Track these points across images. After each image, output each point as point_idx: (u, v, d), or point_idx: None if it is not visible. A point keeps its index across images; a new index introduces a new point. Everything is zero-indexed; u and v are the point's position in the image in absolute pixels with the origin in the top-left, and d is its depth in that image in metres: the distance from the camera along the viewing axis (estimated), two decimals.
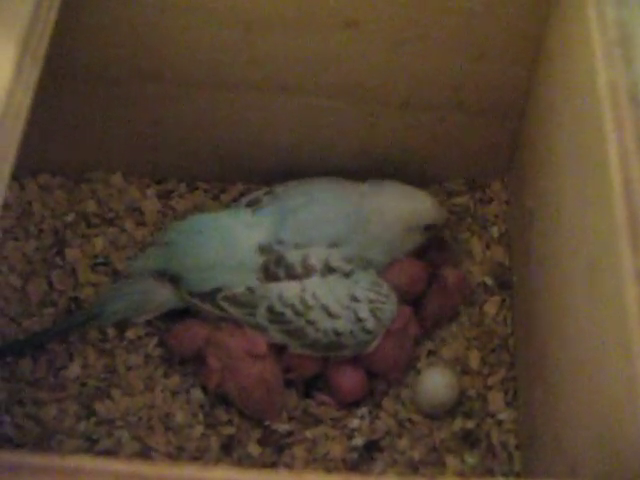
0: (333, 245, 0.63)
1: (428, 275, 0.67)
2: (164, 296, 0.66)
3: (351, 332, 0.63)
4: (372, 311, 0.63)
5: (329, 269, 0.63)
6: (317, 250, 0.63)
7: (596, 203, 0.43)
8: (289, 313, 0.63)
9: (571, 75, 0.50)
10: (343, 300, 0.63)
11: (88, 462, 0.36)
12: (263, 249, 0.64)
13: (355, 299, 0.63)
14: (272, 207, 0.65)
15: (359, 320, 0.63)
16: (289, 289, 0.63)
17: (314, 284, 0.63)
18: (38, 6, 0.45)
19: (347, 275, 0.64)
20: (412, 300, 0.67)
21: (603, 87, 0.41)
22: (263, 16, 0.60)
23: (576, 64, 0.48)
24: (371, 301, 0.63)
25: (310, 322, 0.63)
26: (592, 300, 0.44)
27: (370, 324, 0.63)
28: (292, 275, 0.63)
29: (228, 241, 0.64)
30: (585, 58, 0.45)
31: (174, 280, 0.65)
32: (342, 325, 0.63)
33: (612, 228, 0.39)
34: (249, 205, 0.67)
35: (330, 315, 0.63)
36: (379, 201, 0.64)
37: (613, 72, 0.42)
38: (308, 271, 0.63)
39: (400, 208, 0.64)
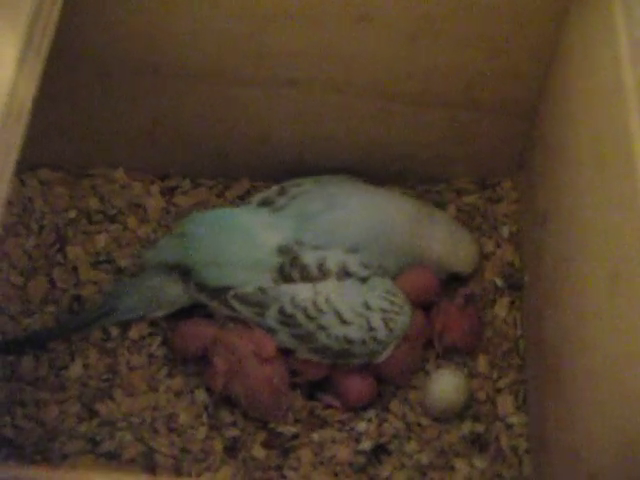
0: (352, 249, 0.63)
1: (439, 282, 0.66)
2: (175, 293, 0.65)
3: (363, 341, 0.62)
4: (384, 321, 0.62)
5: (346, 273, 0.62)
6: (335, 254, 0.62)
7: (620, 207, 0.42)
8: (300, 316, 0.62)
9: (593, 74, 0.49)
10: (356, 307, 0.62)
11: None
12: (282, 250, 0.63)
13: (368, 307, 0.62)
14: (291, 209, 0.64)
15: (371, 329, 0.62)
16: (302, 291, 0.62)
17: (328, 288, 0.62)
18: (40, 2, 0.44)
19: (363, 280, 0.63)
20: (424, 306, 0.66)
21: (631, 88, 0.40)
22: (271, 8, 0.59)
23: (599, 63, 0.47)
24: (384, 310, 0.62)
25: (321, 327, 0.62)
26: (614, 309, 0.43)
27: (381, 334, 0.62)
28: (306, 277, 0.62)
29: (247, 240, 0.63)
30: (610, 57, 0.44)
31: (185, 273, 0.64)
32: (354, 332, 0.62)
33: (639, 236, 0.37)
34: (263, 204, 0.66)
35: (342, 321, 0.62)
36: (429, 235, 0.65)
37: None
38: (324, 274, 0.62)
39: (443, 251, 0.65)
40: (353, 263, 0.62)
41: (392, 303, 0.63)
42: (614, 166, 0.44)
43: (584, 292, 0.50)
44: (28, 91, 0.42)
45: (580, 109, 0.52)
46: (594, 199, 0.48)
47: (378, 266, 0.63)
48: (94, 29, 0.61)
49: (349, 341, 0.62)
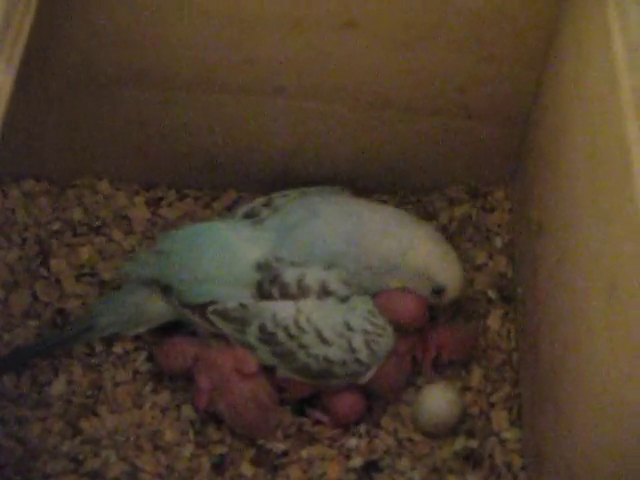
0: (331, 264, 0.61)
1: (424, 308, 0.62)
2: (157, 309, 0.64)
3: (343, 362, 0.61)
4: (366, 342, 0.61)
5: (326, 292, 0.61)
6: (314, 271, 0.61)
7: (617, 217, 0.41)
8: (281, 334, 0.61)
9: (587, 79, 0.48)
10: (338, 327, 0.61)
11: None
12: (260, 266, 0.61)
13: (350, 328, 0.61)
14: (272, 222, 0.63)
15: (352, 350, 0.61)
16: (283, 310, 0.61)
17: (309, 307, 0.60)
18: (11, 10, 0.42)
19: (344, 300, 0.61)
20: (411, 330, 0.63)
21: (626, 94, 0.39)
22: (258, 15, 0.58)
23: (593, 68, 0.46)
24: (366, 332, 0.61)
25: (302, 346, 0.61)
26: (612, 322, 0.41)
27: (363, 355, 0.61)
28: (286, 294, 0.61)
29: (225, 255, 0.62)
30: (604, 62, 0.43)
31: (166, 290, 0.63)
32: (334, 353, 0.61)
33: (636, 247, 0.36)
34: (247, 216, 0.64)
35: (323, 341, 0.60)
36: (412, 242, 0.60)
37: (637, 77, 0.39)
38: (304, 292, 0.61)
39: (427, 258, 0.60)
40: (333, 281, 0.61)
41: (374, 324, 0.61)
42: (611, 174, 0.43)
43: (580, 305, 0.49)
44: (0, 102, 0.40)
45: (575, 115, 0.51)
46: (590, 209, 0.47)
47: (358, 285, 0.61)
48: (78, 37, 0.60)
49: (329, 361, 0.61)
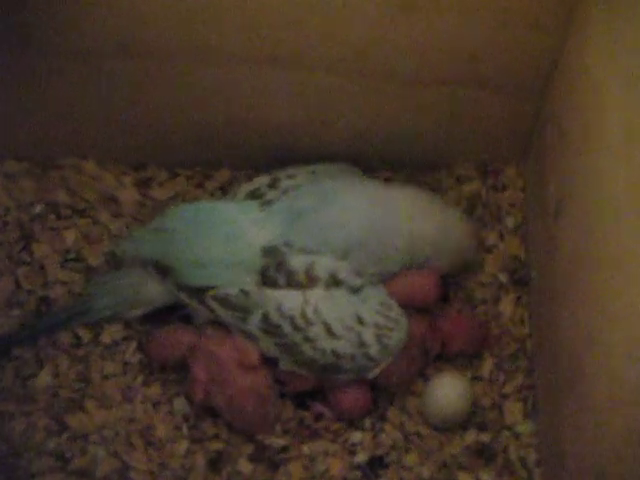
0: (345, 253, 0.60)
1: (439, 284, 0.62)
2: (155, 291, 0.63)
3: (352, 356, 0.59)
4: (377, 337, 0.59)
5: (335, 281, 0.59)
6: (325, 259, 0.59)
7: None
8: (287, 326, 0.59)
9: (616, 44, 0.45)
10: (347, 320, 0.59)
11: None
12: (267, 251, 0.60)
13: (361, 321, 0.59)
14: (282, 205, 0.61)
15: (362, 344, 0.59)
16: (290, 299, 0.59)
17: (317, 297, 0.59)
18: None
19: (355, 291, 0.60)
20: (426, 308, 0.62)
21: None
22: None
23: (623, 31, 0.43)
24: (378, 326, 0.60)
25: (308, 339, 0.59)
26: None
27: (374, 350, 0.60)
28: (293, 283, 0.59)
29: (231, 237, 0.61)
30: (637, 24, 0.39)
31: (163, 271, 0.61)
32: (343, 347, 0.59)
33: None
34: (252, 197, 0.63)
35: (331, 334, 0.59)
36: (445, 223, 0.62)
37: None
38: (312, 281, 0.59)
39: (460, 236, 0.62)
40: (344, 270, 0.59)
41: (387, 317, 0.60)
42: None
43: (608, 292, 0.46)
44: None
45: (603, 85, 0.48)
46: (618, 186, 0.44)
47: (373, 273, 0.60)
48: (59, 9, 0.58)
49: (337, 355, 0.59)
